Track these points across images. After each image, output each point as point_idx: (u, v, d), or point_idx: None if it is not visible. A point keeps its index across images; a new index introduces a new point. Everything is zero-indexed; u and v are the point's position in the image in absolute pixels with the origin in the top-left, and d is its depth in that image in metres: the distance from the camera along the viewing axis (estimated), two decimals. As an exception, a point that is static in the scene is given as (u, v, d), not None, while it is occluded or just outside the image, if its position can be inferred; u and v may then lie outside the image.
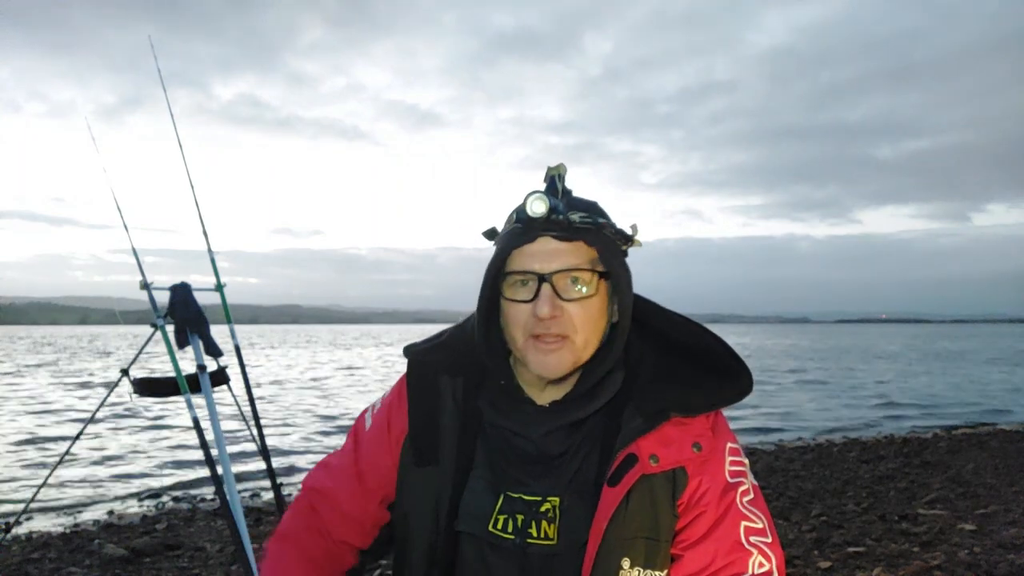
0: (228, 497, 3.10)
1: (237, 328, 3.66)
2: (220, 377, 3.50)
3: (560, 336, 1.04)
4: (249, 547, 3.05)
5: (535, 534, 1.07)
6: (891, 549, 4.70)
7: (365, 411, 1.27)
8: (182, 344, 3.34)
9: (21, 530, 5.71)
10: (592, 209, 1.07)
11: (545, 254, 1.04)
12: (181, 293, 3.36)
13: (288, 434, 11.32)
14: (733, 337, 74.15)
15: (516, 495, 1.10)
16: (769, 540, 1.07)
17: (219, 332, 3.50)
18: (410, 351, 1.23)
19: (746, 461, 1.12)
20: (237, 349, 3.67)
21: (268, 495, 6.91)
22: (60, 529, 5.94)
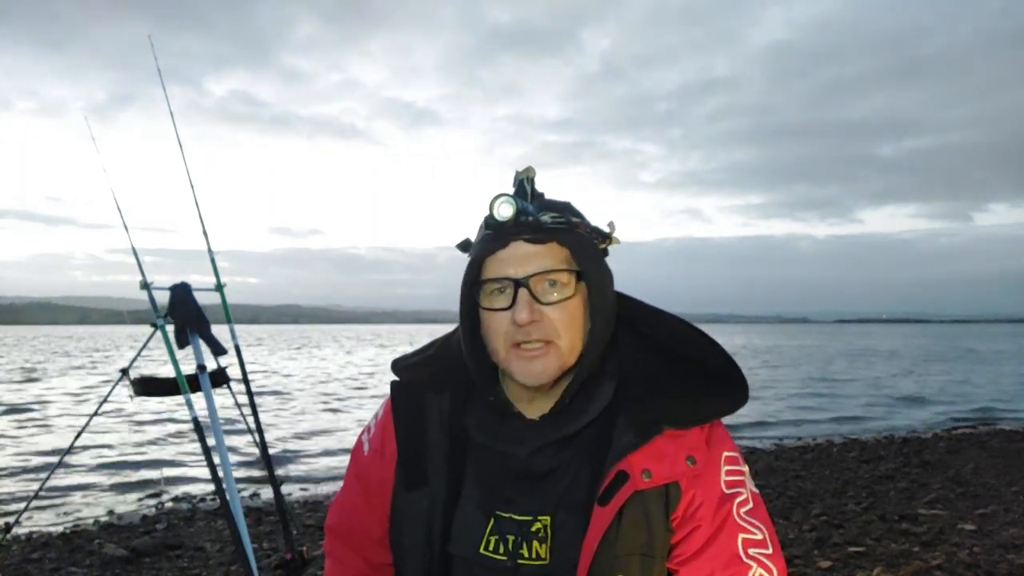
0: (228, 497, 3.10)
1: (237, 328, 3.66)
2: (220, 377, 3.50)
3: (544, 341, 1.01)
4: (249, 547, 3.05)
5: (527, 554, 1.04)
6: (891, 549, 4.70)
7: (361, 434, 1.25)
8: (182, 344, 3.33)
9: (21, 530, 5.70)
10: (564, 209, 1.05)
11: (519, 258, 1.00)
12: (181, 293, 3.35)
13: (288, 434, 11.32)
14: (734, 338, 73.79)
15: (506, 515, 1.06)
16: (770, 552, 1.03)
17: (219, 332, 3.50)
18: (397, 366, 1.21)
19: (745, 469, 1.09)
20: (237, 349, 3.67)
21: (268, 495, 6.90)
22: (60, 529, 5.94)
